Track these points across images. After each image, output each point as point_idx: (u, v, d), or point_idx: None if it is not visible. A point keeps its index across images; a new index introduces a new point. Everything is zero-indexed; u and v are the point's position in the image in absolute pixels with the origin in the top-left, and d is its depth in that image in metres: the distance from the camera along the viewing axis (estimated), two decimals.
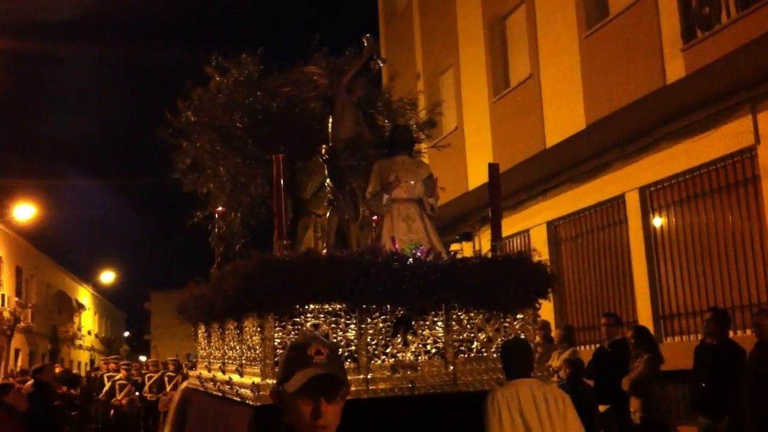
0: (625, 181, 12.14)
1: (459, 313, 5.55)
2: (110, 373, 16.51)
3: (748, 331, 9.40)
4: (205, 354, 7.35)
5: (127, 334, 60.41)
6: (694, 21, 9.87)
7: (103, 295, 50.85)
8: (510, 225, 14.35)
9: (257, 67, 8.74)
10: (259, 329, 5.20)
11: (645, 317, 11.59)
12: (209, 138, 8.77)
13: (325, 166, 7.08)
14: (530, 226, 14.70)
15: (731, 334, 8.77)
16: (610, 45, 11.42)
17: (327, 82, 7.38)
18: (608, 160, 12.33)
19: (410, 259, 5.41)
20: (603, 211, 13.02)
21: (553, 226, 14.28)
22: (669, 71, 10.18)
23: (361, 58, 7.48)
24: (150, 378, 16.05)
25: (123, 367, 16.78)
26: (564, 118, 12.18)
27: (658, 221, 11.83)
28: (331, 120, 7.16)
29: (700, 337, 9.72)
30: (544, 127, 12.80)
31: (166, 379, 15.62)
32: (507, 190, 13.64)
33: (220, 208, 8.92)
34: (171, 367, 16.13)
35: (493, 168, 6.41)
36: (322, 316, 5.21)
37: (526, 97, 13.40)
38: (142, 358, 35.89)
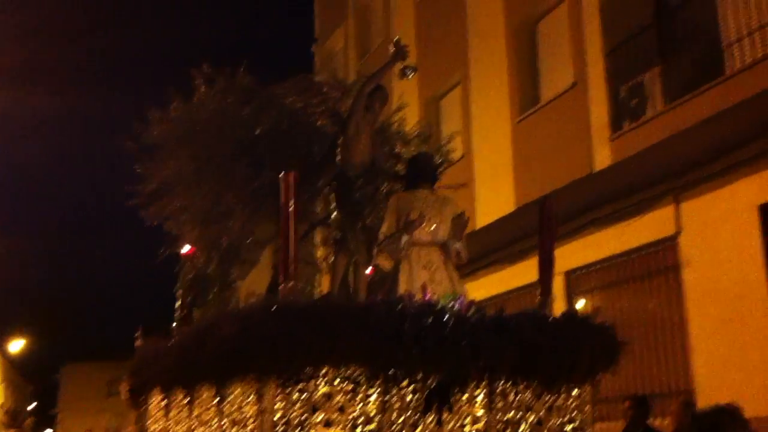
0: None
1: (505, 386, 4.51)
2: None
3: (667, 419, 9.46)
4: (159, 429, 6.18)
5: (32, 406, 57.74)
6: (622, 112, 10.24)
7: (11, 363, 48.71)
8: None
9: (250, 80, 7.59)
10: (255, 397, 4.16)
11: None
12: (185, 157, 7.59)
13: (333, 195, 6.00)
14: None
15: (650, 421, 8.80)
16: (541, 131, 11.72)
17: (339, 96, 6.34)
18: (535, 243, 12.47)
19: (449, 314, 4.33)
20: (528, 294, 13.07)
21: None
22: (596, 159, 10.49)
23: (386, 66, 6.11)
24: None
25: None
26: (494, 199, 12.37)
27: (581, 305, 11.96)
28: (342, 141, 5.98)
29: (619, 423, 9.73)
30: (474, 208, 12.95)
31: None
32: None
33: (187, 248, 7.74)
34: None
35: (544, 203, 5.31)
36: (336, 381, 4.13)
37: (458, 177, 13.55)
38: None
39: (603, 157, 10.37)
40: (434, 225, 5.64)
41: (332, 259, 6.07)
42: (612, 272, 11.41)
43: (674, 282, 10.32)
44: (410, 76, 6.18)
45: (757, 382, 8.80)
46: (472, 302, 4.64)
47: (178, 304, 7.80)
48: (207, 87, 7.76)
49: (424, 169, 5.85)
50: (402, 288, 5.27)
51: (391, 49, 6.05)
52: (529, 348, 4.43)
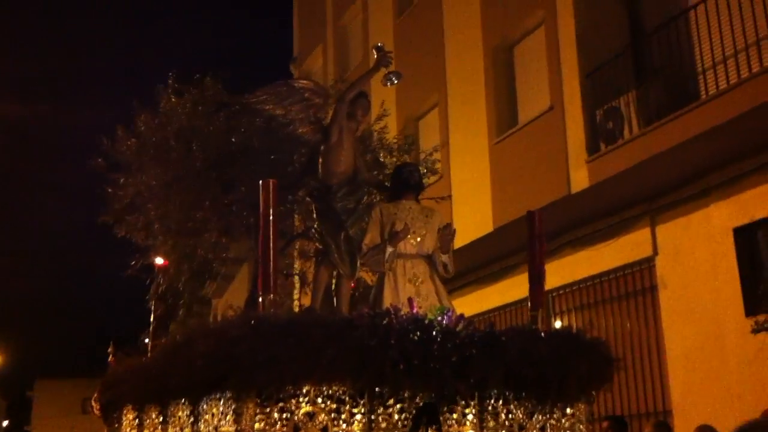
0: None
1: (496, 405, 4.26)
2: None
3: None
4: None
5: (6, 423, 56.87)
6: (598, 135, 10.33)
7: None
8: None
9: (220, 90, 7.52)
10: (233, 417, 3.91)
11: None
12: (155, 172, 7.39)
13: (314, 206, 5.77)
14: None
15: None
16: (519, 152, 11.79)
17: (322, 102, 6.02)
18: (514, 263, 12.54)
19: (438, 327, 4.10)
20: (508, 313, 13.15)
21: None
22: (574, 181, 10.56)
23: (369, 72, 5.96)
24: None
25: None
26: (472, 219, 12.41)
27: (559, 325, 12.00)
28: (323, 149, 5.75)
29: None
30: None
31: None
32: None
33: (160, 261, 7.52)
34: None
35: (532, 215, 5.14)
36: (319, 400, 3.87)
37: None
38: None
39: (580, 179, 10.45)
40: (420, 237, 5.50)
41: (312, 271, 5.97)
42: (589, 293, 11.48)
43: (651, 304, 10.40)
44: (395, 83, 5.94)
45: (733, 403, 8.88)
46: (461, 316, 4.41)
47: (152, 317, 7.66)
48: (176, 98, 7.60)
49: (408, 180, 5.73)
50: (387, 302, 5.06)
51: (374, 55, 5.86)
52: (520, 364, 4.23)
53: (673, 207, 9.95)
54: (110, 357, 7.72)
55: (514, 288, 12.63)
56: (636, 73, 10.22)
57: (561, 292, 11.93)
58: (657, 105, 9.70)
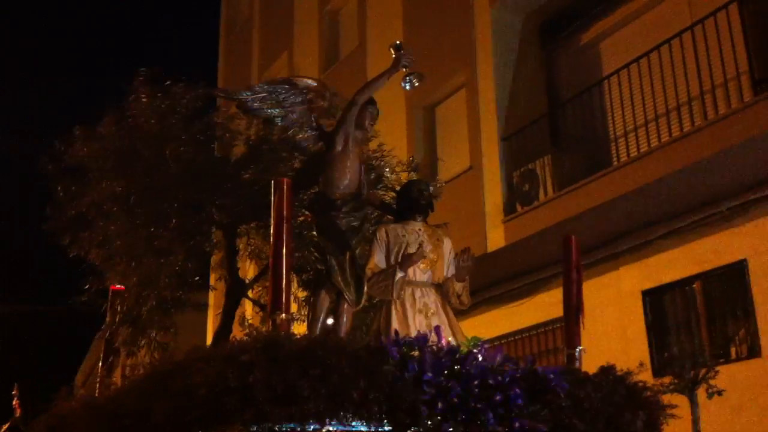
0: None
1: None
2: None
3: None
4: None
5: None
6: (515, 196, 10.60)
7: None
8: None
9: (198, 93, 6.91)
10: None
11: None
12: (117, 180, 6.64)
13: (316, 220, 5.13)
14: None
15: None
16: (438, 210, 11.87)
17: (327, 106, 5.31)
18: None
19: (474, 362, 3.59)
20: None
21: None
22: (490, 240, 10.76)
23: (384, 74, 5.16)
24: None
25: None
26: None
27: None
28: (326, 159, 5.08)
29: None
30: None
31: None
32: None
33: (117, 285, 6.81)
34: None
35: (568, 240, 4.75)
36: None
37: None
38: None
39: (496, 238, 10.66)
40: (431, 262, 5.01)
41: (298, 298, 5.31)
42: (507, 350, 11.62)
43: (563, 363, 10.57)
44: (416, 85, 5.25)
45: None
46: (498, 350, 3.93)
47: (94, 349, 7.09)
48: (147, 99, 6.95)
49: (418, 198, 5.24)
50: (399, 332, 4.44)
51: (392, 54, 5.11)
52: (564, 408, 3.84)
53: (585, 269, 10.16)
54: (15, 400, 7.30)
55: None
56: (552, 139, 10.57)
57: None
58: (571, 170, 10.03)
